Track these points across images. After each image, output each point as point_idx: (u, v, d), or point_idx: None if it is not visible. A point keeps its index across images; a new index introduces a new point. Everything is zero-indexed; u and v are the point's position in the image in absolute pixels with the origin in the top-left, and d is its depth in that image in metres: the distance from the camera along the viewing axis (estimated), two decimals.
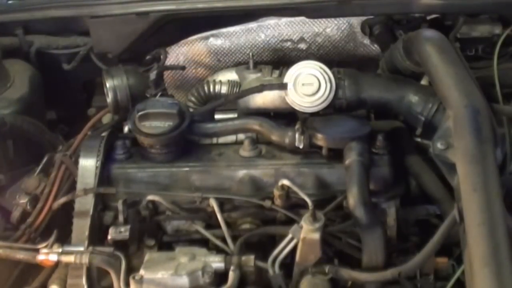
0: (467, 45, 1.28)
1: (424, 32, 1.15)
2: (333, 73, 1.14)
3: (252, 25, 1.19)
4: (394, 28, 1.32)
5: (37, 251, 1.00)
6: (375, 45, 1.38)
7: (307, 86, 1.11)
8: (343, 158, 1.04)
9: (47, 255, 1.00)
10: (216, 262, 0.99)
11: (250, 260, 1.00)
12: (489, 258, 0.81)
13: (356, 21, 1.38)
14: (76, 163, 1.15)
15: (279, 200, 1.08)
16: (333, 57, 1.36)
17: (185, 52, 1.36)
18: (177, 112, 1.09)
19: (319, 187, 1.09)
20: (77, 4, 1.29)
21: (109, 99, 1.18)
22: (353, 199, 0.99)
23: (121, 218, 1.06)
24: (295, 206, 1.08)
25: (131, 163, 1.14)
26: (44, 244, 1.01)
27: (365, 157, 1.02)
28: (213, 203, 1.07)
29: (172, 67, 1.40)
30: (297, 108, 1.12)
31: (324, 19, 1.38)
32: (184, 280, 0.97)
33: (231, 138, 1.17)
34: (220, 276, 0.99)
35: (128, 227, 1.04)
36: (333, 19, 1.38)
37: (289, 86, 1.11)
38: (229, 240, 1.06)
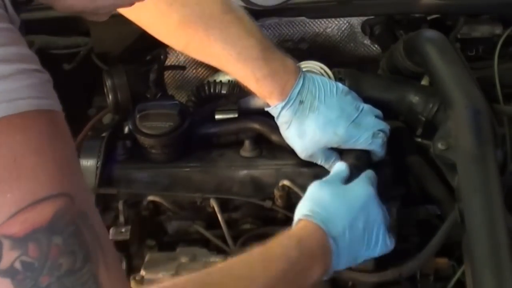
0: (468, 46, 1.28)
1: (424, 33, 1.15)
2: (333, 73, 1.14)
3: (257, 24, 1.18)
4: (395, 28, 1.32)
5: None
6: (376, 45, 1.38)
7: None
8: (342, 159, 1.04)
9: None
10: (217, 263, 0.99)
11: None
12: (489, 259, 0.81)
13: (356, 21, 1.37)
14: None
15: (280, 200, 1.08)
16: (333, 57, 1.36)
17: None
18: (177, 112, 1.09)
19: None
20: None
21: (109, 100, 1.18)
22: None
23: (121, 218, 1.06)
24: (296, 206, 1.08)
25: (131, 164, 1.13)
26: None
27: (363, 161, 1.02)
28: (214, 203, 1.08)
29: (172, 67, 1.40)
30: None
31: (324, 19, 1.38)
32: None
33: (231, 138, 1.17)
34: None
35: (129, 227, 1.05)
36: (333, 19, 1.37)
37: None
38: (229, 240, 1.06)
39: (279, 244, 0.85)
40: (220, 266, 0.83)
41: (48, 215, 0.59)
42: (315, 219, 0.88)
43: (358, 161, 1.02)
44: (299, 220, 0.90)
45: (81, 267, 0.61)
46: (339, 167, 1.00)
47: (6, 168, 0.58)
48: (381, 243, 0.92)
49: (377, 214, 0.93)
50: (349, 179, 0.98)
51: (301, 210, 0.91)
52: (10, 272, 0.59)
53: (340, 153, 1.06)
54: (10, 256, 0.58)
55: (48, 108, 0.62)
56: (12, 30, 0.62)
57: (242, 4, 1.00)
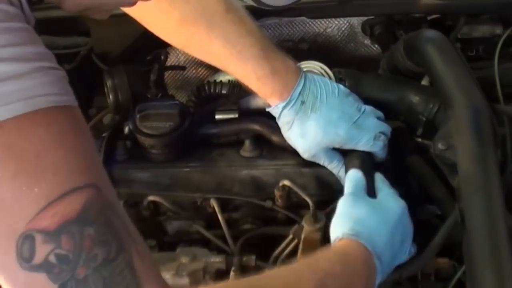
0: (468, 46, 1.28)
1: (424, 33, 1.15)
2: (334, 73, 1.14)
3: (257, 24, 1.19)
4: (395, 29, 1.32)
5: None
6: (376, 46, 1.38)
7: None
8: (345, 167, 1.03)
9: None
10: (217, 263, 1.00)
11: (251, 260, 1.00)
12: (489, 259, 0.81)
13: (356, 21, 1.37)
14: None
15: (280, 200, 1.08)
16: (333, 57, 1.36)
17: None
18: (178, 112, 1.09)
19: (320, 187, 1.09)
20: None
21: (109, 100, 1.18)
22: None
23: None
24: (296, 206, 1.08)
25: (132, 164, 1.13)
26: None
27: (368, 164, 1.02)
28: (214, 203, 1.08)
29: (172, 67, 1.40)
30: None
31: (324, 20, 1.38)
32: (185, 280, 0.97)
33: (231, 138, 1.17)
34: (222, 276, 0.99)
35: None
36: (333, 19, 1.37)
37: None
38: (230, 240, 1.06)
39: (324, 258, 0.85)
40: (266, 273, 0.83)
41: (77, 206, 0.60)
42: (360, 239, 0.87)
43: (364, 165, 1.01)
44: (341, 238, 0.89)
45: (116, 256, 0.61)
46: (355, 175, 0.99)
47: (31, 163, 0.59)
48: (409, 251, 0.94)
49: (410, 225, 0.94)
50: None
51: (341, 229, 0.89)
52: (45, 266, 0.59)
53: (343, 154, 1.06)
54: (43, 250, 0.59)
55: (66, 103, 0.63)
56: (28, 30, 0.63)
57: (247, 3, 1.00)
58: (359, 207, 0.92)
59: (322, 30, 1.39)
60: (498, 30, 1.28)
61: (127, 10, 1.04)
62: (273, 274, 0.82)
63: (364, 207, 0.92)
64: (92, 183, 0.62)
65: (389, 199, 0.95)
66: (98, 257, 0.60)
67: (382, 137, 1.04)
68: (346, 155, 1.05)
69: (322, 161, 1.06)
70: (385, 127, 1.06)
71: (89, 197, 0.61)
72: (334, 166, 1.06)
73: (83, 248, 0.60)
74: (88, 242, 0.60)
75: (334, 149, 1.05)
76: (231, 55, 1.01)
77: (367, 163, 1.02)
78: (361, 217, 0.90)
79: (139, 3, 0.78)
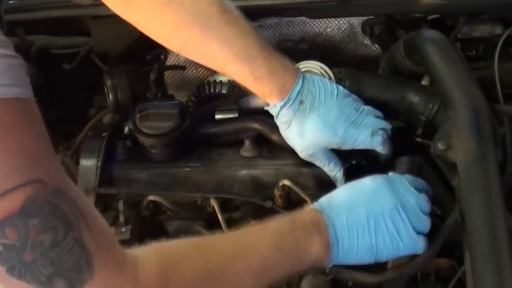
0: (468, 45, 1.28)
1: (424, 32, 1.15)
2: (334, 73, 1.14)
3: (253, 25, 1.19)
4: (395, 28, 1.32)
5: None
6: (376, 45, 1.38)
7: None
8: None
9: None
10: None
11: None
12: (489, 259, 0.81)
13: (356, 21, 1.37)
14: (77, 163, 1.15)
15: (280, 200, 1.08)
16: (333, 57, 1.36)
17: None
18: (178, 112, 1.09)
19: (320, 187, 1.09)
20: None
21: (109, 99, 1.18)
22: None
23: (122, 218, 1.06)
24: (296, 206, 1.08)
25: (131, 163, 1.14)
26: None
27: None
28: (214, 203, 1.08)
29: (172, 67, 1.40)
30: None
31: (324, 19, 1.38)
32: None
33: (231, 138, 1.17)
34: None
35: (129, 227, 1.05)
36: (333, 19, 1.37)
37: None
38: None
39: (274, 220, 0.90)
40: (218, 235, 0.89)
41: (18, 202, 0.61)
42: (314, 205, 0.93)
43: (410, 172, 1.01)
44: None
45: (64, 237, 0.63)
46: None
47: None
48: (406, 241, 0.91)
49: (386, 204, 0.92)
50: None
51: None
52: None
53: (341, 156, 1.06)
54: None
55: (13, 96, 0.61)
56: None
57: (241, 4, 1.00)
58: (342, 187, 0.97)
59: (322, 30, 1.39)
60: (498, 30, 1.28)
61: (121, 13, 1.03)
62: (223, 234, 0.89)
63: (344, 186, 0.97)
64: (35, 179, 0.62)
65: (370, 178, 0.96)
66: (45, 242, 0.62)
67: (380, 132, 1.04)
68: (396, 162, 1.04)
69: (319, 161, 1.06)
70: (384, 124, 1.06)
71: (32, 193, 0.61)
72: (331, 169, 1.06)
73: (28, 237, 0.61)
74: (33, 231, 0.61)
75: (333, 150, 1.05)
76: (227, 57, 1.00)
77: (413, 172, 1.01)
78: (332, 193, 0.95)
79: (132, 5, 0.77)
